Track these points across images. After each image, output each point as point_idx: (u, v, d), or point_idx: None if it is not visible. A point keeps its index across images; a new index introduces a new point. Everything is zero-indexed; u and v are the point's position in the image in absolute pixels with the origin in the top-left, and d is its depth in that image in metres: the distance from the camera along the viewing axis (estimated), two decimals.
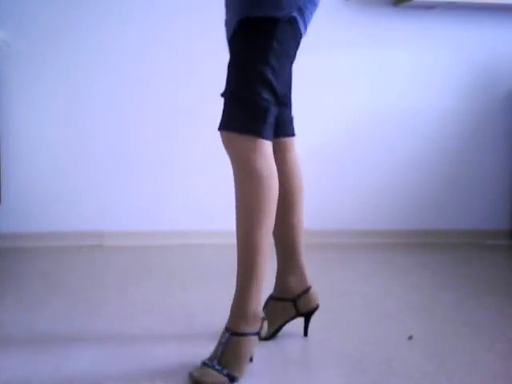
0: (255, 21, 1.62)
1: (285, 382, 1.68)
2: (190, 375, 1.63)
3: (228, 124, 1.67)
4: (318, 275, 2.68)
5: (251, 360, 1.71)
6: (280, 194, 1.74)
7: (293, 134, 1.94)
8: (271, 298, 1.96)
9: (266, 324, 1.75)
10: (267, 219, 1.66)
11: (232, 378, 1.62)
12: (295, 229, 1.92)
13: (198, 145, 3.19)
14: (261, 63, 1.62)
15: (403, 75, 3.32)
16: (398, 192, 3.37)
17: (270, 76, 1.62)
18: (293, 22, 1.66)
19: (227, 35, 1.77)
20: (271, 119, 1.66)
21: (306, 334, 1.96)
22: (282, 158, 1.85)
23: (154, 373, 1.66)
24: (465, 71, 3.37)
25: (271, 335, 1.92)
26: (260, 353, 1.82)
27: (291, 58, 1.71)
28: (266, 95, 1.63)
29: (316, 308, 1.95)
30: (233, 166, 1.71)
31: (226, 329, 1.68)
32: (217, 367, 1.63)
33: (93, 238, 3.13)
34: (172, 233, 3.18)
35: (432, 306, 2.29)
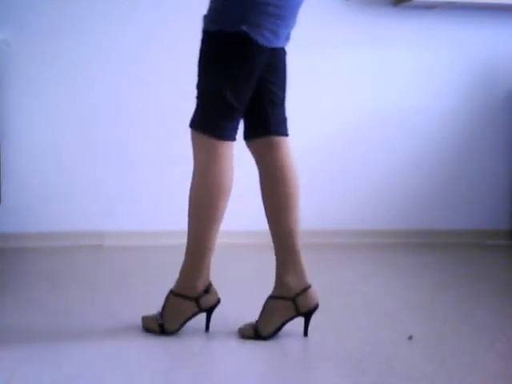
0: (212, 34, 1.83)
1: (285, 381, 1.68)
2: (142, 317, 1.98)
3: (193, 122, 1.93)
4: (318, 275, 2.68)
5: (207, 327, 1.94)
6: (274, 192, 1.93)
7: (284, 134, 1.97)
8: (270, 298, 1.96)
9: (209, 296, 1.94)
10: (215, 213, 1.93)
11: (162, 329, 1.92)
12: (291, 226, 1.95)
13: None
14: (215, 74, 1.85)
15: (403, 75, 3.33)
16: (398, 192, 3.37)
17: (224, 86, 1.83)
18: (244, 35, 1.77)
19: None
20: (229, 123, 1.86)
21: (306, 333, 1.96)
22: (271, 156, 1.94)
23: (154, 372, 1.66)
24: (465, 71, 3.37)
25: (271, 334, 1.92)
26: (260, 353, 1.82)
27: (248, 68, 1.85)
28: (221, 104, 1.84)
29: (316, 307, 1.94)
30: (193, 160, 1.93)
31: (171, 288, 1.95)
32: (157, 317, 1.94)
33: (93, 237, 3.13)
34: (172, 233, 3.17)
35: (432, 306, 2.29)
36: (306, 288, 1.94)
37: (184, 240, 3.38)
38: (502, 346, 1.91)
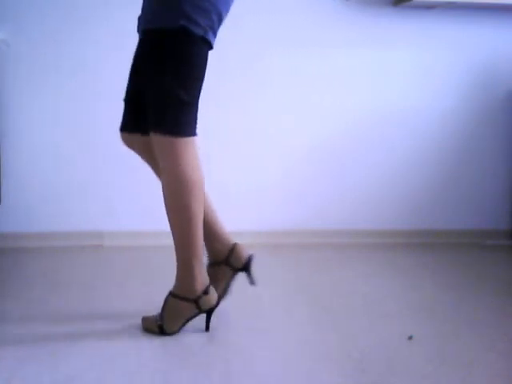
0: (151, 32, 1.87)
1: (285, 381, 1.68)
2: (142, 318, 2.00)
3: (154, 126, 1.88)
4: (319, 275, 2.68)
5: (207, 327, 1.98)
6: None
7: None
8: (208, 266, 2.11)
9: (209, 297, 1.95)
10: (192, 215, 1.93)
11: (162, 330, 1.94)
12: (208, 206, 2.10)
13: (198, 145, 3.19)
14: (160, 73, 1.84)
15: (403, 75, 3.33)
16: (398, 192, 3.37)
17: (171, 82, 1.82)
18: (184, 30, 1.80)
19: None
20: (186, 118, 1.87)
21: (252, 283, 2.11)
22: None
23: (154, 372, 1.67)
24: (465, 71, 3.37)
25: (220, 297, 2.05)
26: (260, 353, 1.82)
27: (193, 62, 1.86)
28: (170, 97, 1.83)
29: (250, 259, 2.10)
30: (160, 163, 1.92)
31: (170, 290, 1.99)
32: (157, 319, 1.96)
33: (93, 238, 3.13)
34: None
35: (432, 306, 2.29)
36: (233, 247, 2.11)
37: None
38: (502, 345, 1.92)
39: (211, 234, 2.11)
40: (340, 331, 2.01)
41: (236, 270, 2.11)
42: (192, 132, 1.90)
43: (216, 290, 2.03)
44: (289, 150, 3.22)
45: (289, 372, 1.73)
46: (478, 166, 3.43)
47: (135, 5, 3.09)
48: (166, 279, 2.47)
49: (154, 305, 2.18)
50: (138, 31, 1.98)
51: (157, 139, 1.88)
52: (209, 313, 1.98)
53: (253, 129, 3.18)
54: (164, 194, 1.94)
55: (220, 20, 1.89)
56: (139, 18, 1.98)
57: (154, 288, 2.42)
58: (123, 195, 3.16)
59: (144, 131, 1.95)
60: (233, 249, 2.11)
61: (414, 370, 1.71)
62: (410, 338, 1.95)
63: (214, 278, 2.07)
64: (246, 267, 2.11)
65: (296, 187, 3.24)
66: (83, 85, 3.08)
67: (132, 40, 3.10)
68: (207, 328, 1.99)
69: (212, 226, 2.11)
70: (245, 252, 2.12)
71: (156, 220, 3.20)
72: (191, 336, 1.94)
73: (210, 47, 1.89)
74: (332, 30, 3.20)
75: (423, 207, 3.40)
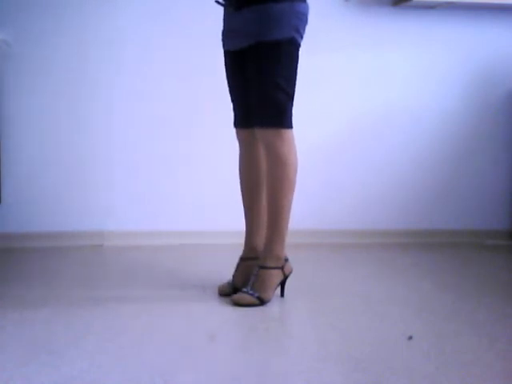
0: (266, 44, 2.14)
1: (285, 381, 1.68)
2: (231, 299, 2.20)
3: (279, 121, 2.18)
4: (318, 275, 2.68)
5: (282, 294, 2.29)
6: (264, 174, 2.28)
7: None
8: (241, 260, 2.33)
9: (289, 263, 2.28)
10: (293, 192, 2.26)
11: (261, 300, 2.18)
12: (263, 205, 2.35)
13: (198, 145, 3.19)
14: (275, 76, 2.15)
15: (403, 75, 3.33)
16: (398, 192, 3.37)
17: (283, 83, 2.16)
18: (294, 40, 2.16)
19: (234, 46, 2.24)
20: (291, 112, 2.20)
21: (282, 294, 2.31)
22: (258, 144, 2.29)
23: (154, 372, 1.66)
24: (465, 71, 3.37)
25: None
26: (261, 353, 1.82)
27: (295, 65, 2.21)
28: (283, 97, 2.16)
29: (291, 271, 2.31)
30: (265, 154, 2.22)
31: (258, 265, 2.22)
32: (250, 292, 2.18)
33: (93, 237, 3.13)
34: (172, 233, 3.18)
35: (432, 306, 2.29)
36: (286, 259, 2.30)
37: (184, 240, 3.39)
38: (502, 345, 1.91)
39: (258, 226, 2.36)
40: (340, 331, 2.01)
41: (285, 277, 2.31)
42: (292, 124, 2.21)
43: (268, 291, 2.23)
44: None
45: (289, 372, 1.73)
46: (478, 165, 3.43)
47: (136, 5, 3.10)
48: (166, 279, 2.48)
49: (153, 305, 2.18)
50: (231, 48, 2.26)
51: (270, 132, 2.17)
52: (286, 279, 2.28)
53: None
54: (272, 175, 2.20)
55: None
56: (229, 37, 2.26)
57: (153, 288, 2.42)
58: (123, 195, 3.16)
59: (251, 125, 2.26)
60: (286, 259, 2.30)
61: (413, 370, 1.71)
62: (410, 338, 1.94)
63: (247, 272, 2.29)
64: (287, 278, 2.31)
65: (295, 187, 3.24)
66: (84, 84, 3.08)
67: (132, 40, 3.11)
68: (282, 294, 2.29)
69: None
70: (291, 266, 2.32)
71: (156, 220, 3.20)
72: (192, 336, 1.94)
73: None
74: (332, 30, 3.20)
75: (423, 207, 3.40)
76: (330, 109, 3.28)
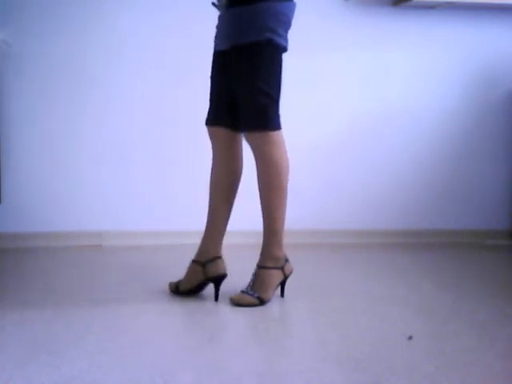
0: (241, 47, 2.11)
1: (285, 381, 1.68)
2: (230, 299, 2.20)
3: (266, 123, 2.16)
4: (318, 275, 2.68)
5: (282, 294, 2.30)
6: (236, 176, 2.28)
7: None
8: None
9: (289, 264, 2.28)
10: (286, 193, 2.25)
11: (261, 300, 2.18)
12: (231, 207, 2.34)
13: (198, 145, 3.19)
14: (254, 80, 2.13)
15: (403, 75, 3.33)
16: (398, 192, 3.37)
17: (264, 86, 2.14)
18: (270, 41, 2.11)
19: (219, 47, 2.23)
20: (277, 114, 2.19)
21: (282, 295, 2.31)
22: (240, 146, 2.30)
23: (154, 372, 1.66)
24: (465, 71, 3.37)
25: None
26: (261, 353, 1.82)
27: (277, 66, 2.18)
28: (265, 100, 2.14)
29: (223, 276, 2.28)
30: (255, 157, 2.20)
31: (257, 265, 2.24)
32: (250, 292, 2.19)
33: (92, 238, 3.13)
34: (172, 233, 3.18)
35: (432, 306, 2.29)
36: (287, 259, 2.30)
37: (184, 240, 3.40)
38: (502, 345, 1.91)
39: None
40: (340, 331, 2.01)
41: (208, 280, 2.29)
42: (280, 125, 2.21)
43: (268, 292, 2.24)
44: (288, 150, 3.21)
45: (289, 371, 1.73)
46: (478, 166, 3.43)
47: (137, 5, 3.10)
48: (165, 279, 2.47)
49: (153, 305, 2.18)
50: (217, 48, 2.25)
51: (256, 135, 2.16)
52: (286, 279, 2.29)
53: None
54: (263, 177, 2.20)
55: (290, 27, 2.19)
56: (216, 37, 2.26)
57: (153, 288, 2.41)
58: (123, 195, 3.16)
59: (229, 125, 2.24)
60: (286, 260, 2.30)
61: (413, 370, 1.71)
62: (410, 338, 1.94)
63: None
64: (216, 280, 2.28)
65: (295, 187, 3.24)
66: (84, 84, 3.08)
67: (132, 40, 3.11)
68: (282, 294, 2.29)
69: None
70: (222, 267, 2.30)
71: (155, 220, 3.21)
72: (192, 336, 1.94)
73: (285, 50, 2.20)
74: (332, 30, 3.20)
75: (423, 207, 3.40)
76: (330, 109, 3.28)
